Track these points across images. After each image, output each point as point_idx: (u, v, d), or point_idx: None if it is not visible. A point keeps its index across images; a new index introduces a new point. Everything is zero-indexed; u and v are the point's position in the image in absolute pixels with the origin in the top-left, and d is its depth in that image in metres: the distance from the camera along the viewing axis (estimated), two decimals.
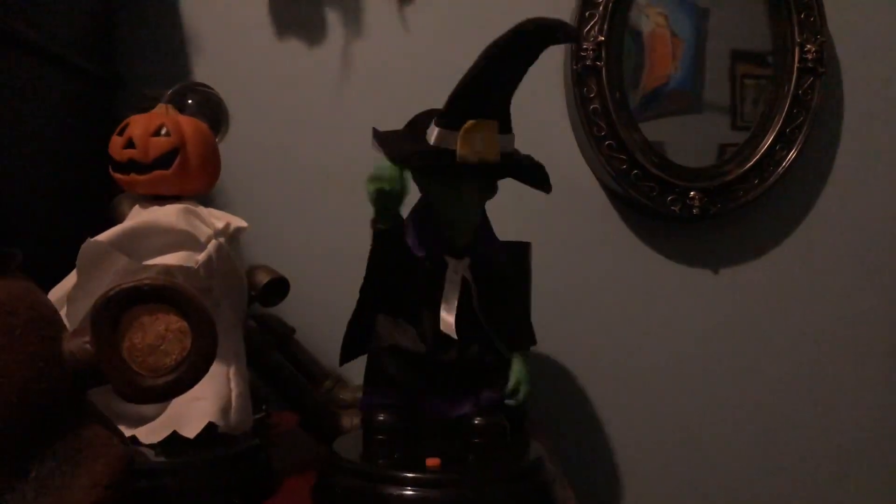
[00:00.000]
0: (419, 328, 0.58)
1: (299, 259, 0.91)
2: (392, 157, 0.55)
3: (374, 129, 0.58)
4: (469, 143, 0.53)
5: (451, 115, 0.53)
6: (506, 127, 0.55)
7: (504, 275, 0.59)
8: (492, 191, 0.59)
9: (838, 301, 0.98)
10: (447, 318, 0.56)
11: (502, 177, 0.59)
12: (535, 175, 0.58)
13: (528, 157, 0.58)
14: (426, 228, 0.57)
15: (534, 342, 0.61)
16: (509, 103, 0.55)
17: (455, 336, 0.56)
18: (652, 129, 0.93)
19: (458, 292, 0.57)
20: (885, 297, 0.99)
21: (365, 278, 0.60)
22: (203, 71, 0.94)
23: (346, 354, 0.62)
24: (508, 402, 0.58)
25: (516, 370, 0.59)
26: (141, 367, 0.40)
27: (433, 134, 0.53)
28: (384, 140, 0.57)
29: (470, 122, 0.52)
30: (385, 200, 0.55)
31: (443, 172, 0.56)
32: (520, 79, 0.54)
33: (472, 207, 0.57)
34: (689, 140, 0.95)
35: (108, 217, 0.66)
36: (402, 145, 0.56)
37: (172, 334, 0.40)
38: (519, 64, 0.53)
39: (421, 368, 0.58)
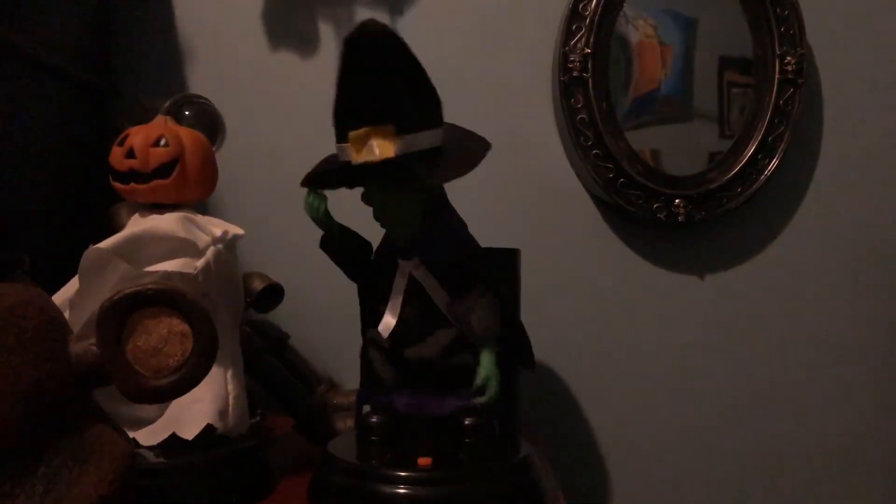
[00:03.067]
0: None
1: (293, 266, 0.93)
2: (302, 181, 0.60)
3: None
4: (361, 150, 0.55)
5: (339, 129, 0.56)
6: (410, 127, 0.54)
7: (457, 271, 0.59)
8: (409, 191, 0.58)
9: (821, 305, 1.00)
10: (387, 320, 0.59)
11: (403, 174, 0.57)
12: (419, 171, 0.56)
13: (466, 142, 0.59)
14: (385, 235, 0.62)
15: (496, 336, 0.59)
16: (407, 104, 0.55)
17: (385, 337, 0.58)
18: (644, 137, 0.95)
19: (401, 293, 0.59)
20: (867, 301, 1.01)
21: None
22: (198, 81, 0.95)
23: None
24: (477, 399, 0.57)
25: (484, 365, 0.57)
26: (144, 368, 0.42)
27: (337, 151, 0.57)
28: (309, 172, 0.61)
29: (355, 132, 0.55)
30: (319, 223, 0.61)
31: (349, 184, 0.59)
32: (400, 81, 0.54)
33: (393, 209, 0.59)
34: (680, 148, 0.97)
35: (108, 225, 0.68)
36: (313, 171, 0.60)
37: (175, 337, 0.42)
38: (373, 68, 0.53)
39: (392, 365, 0.60)
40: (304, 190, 0.56)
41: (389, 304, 0.59)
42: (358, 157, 0.55)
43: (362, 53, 0.53)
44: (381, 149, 0.54)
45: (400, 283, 0.59)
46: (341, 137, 0.56)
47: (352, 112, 0.55)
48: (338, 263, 0.63)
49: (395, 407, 0.59)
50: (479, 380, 0.57)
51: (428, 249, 0.59)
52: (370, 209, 0.60)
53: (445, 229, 0.61)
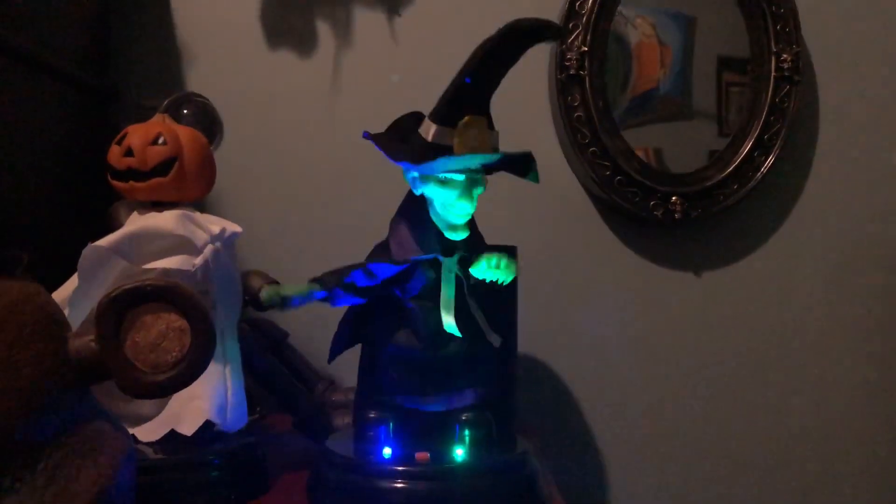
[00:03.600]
0: (414, 327, 0.59)
1: (292, 264, 0.93)
2: (395, 157, 0.57)
3: (365, 131, 0.60)
4: (464, 139, 0.56)
5: (447, 113, 0.56)
6: (491, 123, 0.57)
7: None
8: (483, 185, 0.61)
9: (816, 302, 1.01)
10: (449, 318, 0.58)
11: (495, 170, 0.60)
12: (524, 166, 0.60)
13: (518, 152, 0.61)
14: (419, 230, 0.59)
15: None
16: (489, 100, 0.58)
17: (458, 333, 0.58)
18: (643, 136, 0.96)
19: (454, 289, 0.59)
20: (862, 298, 1.01)
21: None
22: (197, 81, 0.96)
23: (334, 353, 0.64)
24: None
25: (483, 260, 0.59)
26: (143, 363, 0.42)
27: (430, 131, 0.56)
28: (380, 141, 0.59)
29: (466, 118, 0.55)
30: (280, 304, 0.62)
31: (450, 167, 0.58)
32: (503, 76, 0.57)
33: (467, 201, 0.59)
34: (681, 146, 0.97)
35: (106, 224, 0.68)
36: (398, 146, 0.58)
37: (173, 332, 0.42)
38: (506, 62, 0.56)
39: (414, 367, 0.60)
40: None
41: (443, 301, 0.58)
42: (462, 145, 0.56)
43: (508, 45, 0.55)
44: (480, 141, 0.56)
45: (449, 280, 0.59)
46: (448, 121, 0.56)
47: (467, 98, 0.56)
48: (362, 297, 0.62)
49: (403, 408, 0.60)
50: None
51: (473, 246, 0.60)
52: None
53: (476, 227, 0.63)
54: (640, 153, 0.95)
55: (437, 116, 0.57)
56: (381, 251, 0.61)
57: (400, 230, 0.60)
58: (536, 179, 0.61)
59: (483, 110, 0.57)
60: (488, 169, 0.60)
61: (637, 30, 0.96)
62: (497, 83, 0.57)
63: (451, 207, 0.59)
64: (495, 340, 0.61)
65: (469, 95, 0.56)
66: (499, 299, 0.63)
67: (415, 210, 0.60)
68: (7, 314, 0.39)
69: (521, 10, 0.97)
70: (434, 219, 0.60)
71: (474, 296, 0.60)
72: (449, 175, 0.58)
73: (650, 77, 0.97)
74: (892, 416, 1.02)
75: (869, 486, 1.01)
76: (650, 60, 0.97)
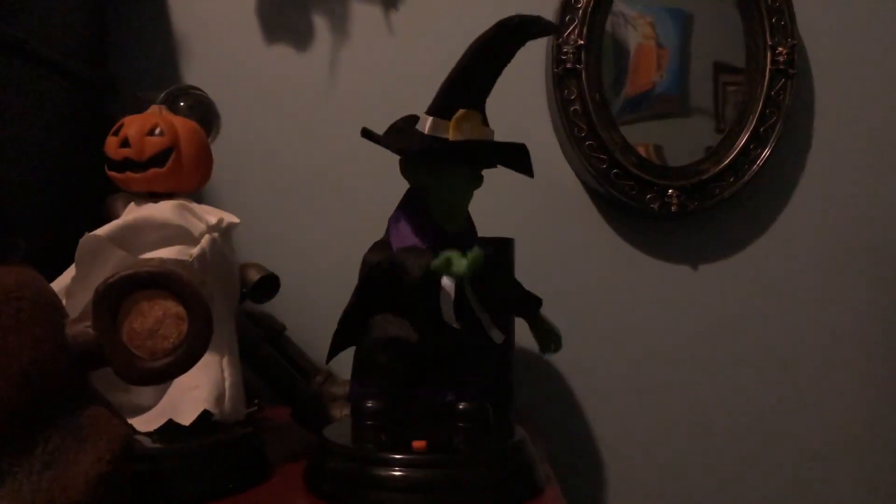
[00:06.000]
0: (413, 319, 0.59)
1: (289, 257, 0.93)
2: (396, 148, 0.58)
3: (364, 128, 0.60)
4: (460, 131, 0.56)
5: (442, 105, 0.57)
6: (485, 120, 0.58)
7: (492, 261, 0.60)
8: (479, 180, 0.61)
9: (813, 295, 1.01)
10: (448, 311, 0.58)
11: (491, 163, 0.61)
12: (519, 160, 0.60)
13: (511, 143, 0.61)
14: (416, 223, 0.60)
15: (539, 302, 0.66)
16: (486, 97, 0.58)
17: (457, 325, 0.57)
18: (642, 132, 0.96)
19: (453, 284, 0.58)
20: (859, 290, 1.01)
21: (357, 297, 0.62)
22: (193, 74, 0.96)
23: (334, 353, 0.64)
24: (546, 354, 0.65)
25: (541, 326, 0.66)
26: (140, 350, 0.42)
27: (426, 124, 0.57)
28: (380, 137, 0.59)
29: (461, 111, 0.56)
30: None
31: (438, 160, 0.59)
32: (499, 73, 0.58)
33: (464, 194, 0.60)
34: (678, 142, 0.98)
35: (103, 215, 0.68)
36: (396, 137, 0.59)
37: (170, 319, 0.43)
38: (501, 57, 0.57)
39: (412, 358, 0.60)
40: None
41: (443, 296, 0.57)
42: (457, 138, 0.56)
43: (503, 40, 0.56)
44: (475, 135, 0.57)
45: (448, 276, 0.58)
46: (443, 113, 0.57)
47: (462, 91, 0.57)
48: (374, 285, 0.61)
49: (401, 398, 0.60)
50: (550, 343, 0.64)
51: (471, 239, 0.61)
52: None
53: (470, 220, 0.64)
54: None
55: (433, 109, 0.57)
56: (381, 248, 0.61)
57: (400, 226, 0.60)
58: (531, 173, 0.61)
59: (478, 106, 0.58)
60: (484, 164, 0.61)
61: (637, 31, 0.97)
62: (492, 79, 0.58)
63: (449, 198, 0.59)
64: (497, 337, 0.61)
65: (464, 90, 0.57)
66: (495, 290, 0.63)
67: (414, 205, 0.61)
68: (4, 299, 0.39)
69: (518, 4, 0.98)
70: (434, 212, 0.60)
71: (477, 291, 0.60)
72: (446, 166, 0.59)
73: (646, 80, 0.97)
74: (890, 408, 1.02)
75: (866, 475, 1.02)
76: (647, 64, 0.97)
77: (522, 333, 0.86)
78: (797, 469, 1.01)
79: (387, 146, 0.58)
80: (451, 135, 0.56)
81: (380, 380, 0.60)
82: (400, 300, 0.59)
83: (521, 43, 0.57)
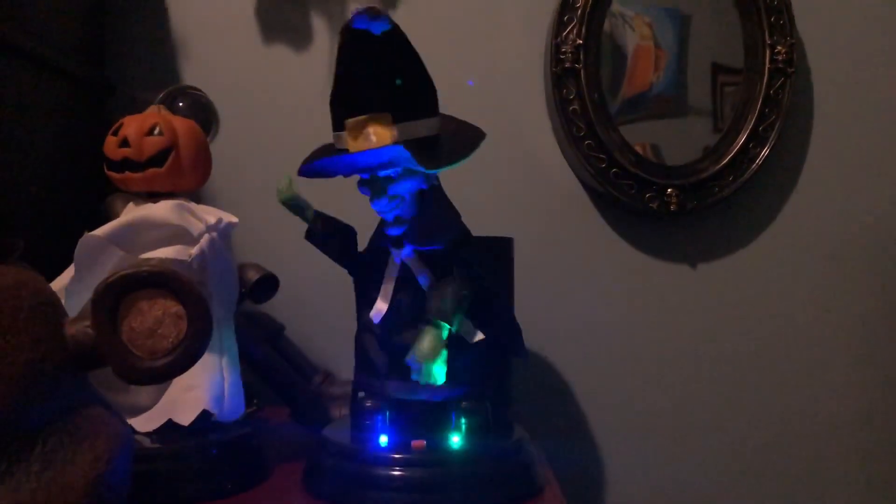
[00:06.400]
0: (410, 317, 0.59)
1: (288, 257, 0.93)
2: (299, 171, 0.61)
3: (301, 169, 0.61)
4: (358, 138, 0.55)
5: (336, 117, 0.57)
6: (406, 115, 0.55)
7: (446, 260, 0.60)
8: (401, 183, 0.59)
9: (811, 294, 1.01)
10: (379, 305, 0.59)
11: (393, 164, 0.59)
12: (435, 151, 0.57)
13: (457, 133, 0.60)
14: (379, 224, 0.62)
15: (446, 318, 0.57)
16: (404, 93, 0.56)
17: (376, 322, 0.59)
18: (640, 131, 0.96)
19: (393, 280, 0.60)
20: (857, 290, 1.01)
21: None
22: (192, 75, 0.96)
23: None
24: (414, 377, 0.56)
25: (421, 340, 0.56)
26: (139, 349, 0.42)
27: (334, 139, 0.58)
28: (304, 161, 0.62)
29: (353, 119, 0.55)
30: (290, 207, 0.63)
31: (347, 171, 0.60)
32: (396, 69, 0.55)
33: (380, 198, 0.59)
34: (677, 142, 0.97)
35: (102, 215, 0.68)
36: (308, 159, 0.61)
37: (169, 318, 0.42)
38: (371, 57, 0.54)
39: (385, 351, 0.60)
40: (302, 178, 0.56)
41: (381, 290, 0.60)
42: (355, 146, 0.55)
43: (361, 41, 0.54)
44: (378, 136, 0.55)
45: (392, 270, 0.60)
46: (338, 126, 0.57)
47: (349, 100, 0.56)
48: (325, 252, 0.64)
49: (389, 391, 0.60)
50: (408, 357, 0.56)
51: (419, 237, 0.60)
52: (364, 200, 0.60)
53: (436, 218, 0.61)
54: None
55: (332, 124, 0.58)
56: None
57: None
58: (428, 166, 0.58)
59: (384, 106, 0.55)
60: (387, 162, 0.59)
61: (635, 32, 0.97)
62: (376, 78, 0.55)
63: (373, 206, 0.60)
64: (470, 337, 0.60)
65: (350, 96, 0.56)
66: (493, 290, 0.63)
67: None
68: (3, 299, 0.39)
69: (513, 2, 0.98)
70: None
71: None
72: (359, 175, 0.60)
73: (644, 81, 0.97)
74: (886, 408, 1.02)
75: (861, 475, 1.02)
76: (645, 65, 0.97)
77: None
78: (796, 469, 1.01)
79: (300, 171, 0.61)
80: (348, 143, 0.56)
81: (379, 379, 0.61)
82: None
83: (373, 36, 0.54)
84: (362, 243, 0.65)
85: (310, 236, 0.64)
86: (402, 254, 0.60)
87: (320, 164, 0.60)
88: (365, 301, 0.62)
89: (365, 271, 0.63)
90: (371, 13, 0.54)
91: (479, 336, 0.60)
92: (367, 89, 0.55)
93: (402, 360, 0.58)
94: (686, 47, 0.97)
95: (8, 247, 0.42)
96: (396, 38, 0.55)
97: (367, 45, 0.54)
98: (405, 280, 0.59)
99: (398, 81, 0.55)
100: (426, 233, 0.60)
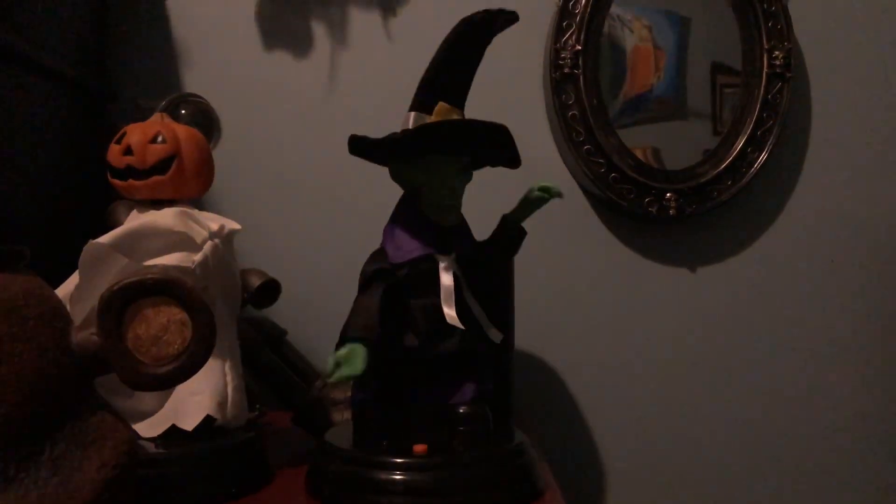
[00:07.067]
0: (413, 324, 0.60)
1: (290, 262, 0.94)
2: (379, 145, 0.59)
3: (351, 140, 0.61)
4: (441, 119, 0.58)
5: (423, 99, 0.58)
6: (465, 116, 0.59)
7: (490, 266, 0.63)
8: (468, 173, 0.63)
9: (811, 297, 1.02)
10: (450, 312, 0.59)
11: (475, 146, 0.61)
12: (502, 144, 0.61)
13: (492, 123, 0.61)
14: (411, 225, 0.61)
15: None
16: (467, 94, 0.60)
17: (462, 327, 0.58)
18: (640, 135, 0.97)
19: (453, 286, 0.60)
20: (856, 293, 1.02)
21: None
22: (194, 82, 0.96)
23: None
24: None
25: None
26: (145, 356, 0.43)
27: (409, 119, 0.59)
28: (364, 141, 0.61)
29: (442, 104, 0.57)
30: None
31: (424, 151, 0.60)
32: (473, 70, 0.60)
33: (454, 185, 0.61)
34: (676, 145, 0.98)
35: (106, 222, 0.69)
36: (379, 142, 0.60)
37: (174, 325, 0.43)
38: (472, 53, 0.58)
39: (413, 361, 0.60)
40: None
41: (444, 298, 0.59)
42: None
43: (478, 37, 0.58)
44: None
45: (448, 276, 0.60)
46: (425, 107, 0.59)
47: (442, 87, 0.58)
48: None
49: (402, 402, 0.61)
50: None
51: (464, 241, 0.62)
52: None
53: (466, 224, 0.64)
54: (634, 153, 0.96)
55: (414, 106, 0.59)
56: (378, 258, 0.61)
57: (396, 233, 0.61)
58: (518, 162, 0.63)
59: (457, 103, 0.59)
60: (468, 147, 0.61)
61: (633, 34, 0.97)
62: (467, 76, 0.60)
63: (440, 191, 0.60)
64: (495, 336, 0.62)
65: (441, 86, 0.58)
66: (494, 294, 0.64)
67: (406, 209, 0.62)
68: (10, 306, 0.40)
69: (513, 8, 0.98)
70: (427, 209, 0.61)
71: (472, 292, 0.62)
72: (433, 158, 0.60)
73: (644, 82, 0.98)
74: (887, 411, 1.02)
75: (862, 479, 1.02)
76: (645, 66, 0.98)
77: (522, 336, 0.87)
78: (797, 471, 1.01)
79: (377, 146, 0.59)
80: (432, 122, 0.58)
81: (382, 384, 0.61)
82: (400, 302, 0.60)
83: (489, 36, 0.59)
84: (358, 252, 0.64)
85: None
86: (449, 260, 0.60)
87: (402, 136, 0.58)
88: (390, 310, 0.60)
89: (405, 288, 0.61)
90: (502, 14, 0.58)
91: (499, 336, 0.62)
92: (458, 82, 0.59)
93: (438, 366, 0.60)
94: (685, 49, 0.98)
95: (15, 255, 0.43)
96: (488, 41, 0.59)
97: (480, 41, 0.58)
98: (458, 286, 0.60)
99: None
100: (468, 236, 0.63)
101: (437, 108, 0.58)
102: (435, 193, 0.61)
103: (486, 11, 0.57)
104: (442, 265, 0.60)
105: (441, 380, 0.61)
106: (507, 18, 0.59)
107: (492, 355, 0.63)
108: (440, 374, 0.61)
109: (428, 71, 0.59)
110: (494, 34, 0.59)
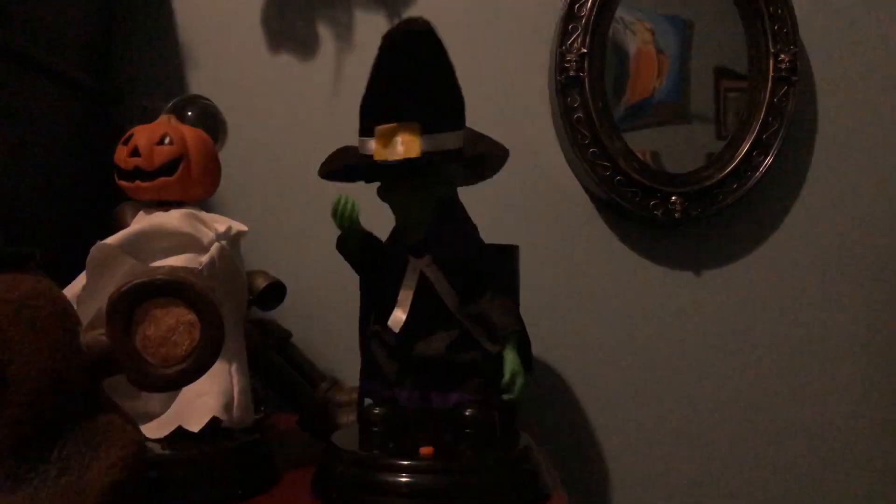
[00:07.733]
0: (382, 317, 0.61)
1: (295, 264, 0.94)
2: (319, 173, 0.62)
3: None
4: (387, 145, 0.56)
5: (364, 123, 0.58)
6: (435, 126, 0.56)
7: (466, 270, 0.61)
8: (429, 189, 0.61)
9: (816, 301, 1.01)
10: (397, 314, 0.59)
11: (428, 173, 0.60)
12: (474, 166, 0.61)
13: (485, 147, 0.61)
14: (394, 231, 0.63)
15: (519, 332, 0.60)
16: (434, 104, 0.56)
17: (396, 332, 0.59)
18: (643, 139, 0.97)
19: (412, 289, 0.60)
20: (861, 296, 1.02)
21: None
22: (200, 84, 0.97)
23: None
24: (506, 396, 0.59)
25: (509, 361, 0.59)
26: (153, 357, 0.43)
27: (360, 144, 0.59)
28: (325, 162, 0.63)
29: (383, 126, 0.56)
30: (345, 230, 0.62)
31: (377, 178, 0.61)
32: (431, 80, 0.56)
33: (411, 206, 0.61)
34: (679, 149, 0.98)
35: (113, 224, 0.69)
36: (330, 162, 0.62)
37: (183, 326, 0.43)
38: (409, 66, 0.55)
39: (418, 363, 0.60)
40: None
41: (400, 299, 0.60)
42: (382, 154, 0.56)
43: (401, 49, 0.55)
44: (406, 146, 0.56)
45: (411, 279, 0.60)
46: (366, 131, 0.58)
47: (380, 106, 0.57)
48: (352, 264, 0.65)
49: (398, 399, 0.61)
50: (505, 378, 0.59)
51: (440, 247, 0.61)
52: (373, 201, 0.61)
53: (457, 228, 0.63)
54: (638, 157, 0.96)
55: (359, 127, 0.58)
56: None
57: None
58: (488, 176, 0.64)
59: (415, 116, 0.56)
60: (422, 171, 0.60)
61: (636, 36, 0.97)
62: (420, 86, 0.56)
63: (396, 213, 0.62)
64: (491, 348, 0.61)
65: (382, 103, 0.56)
66: (488, 291, 0.63)
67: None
68: (20, 308, 0.40)
69: (518, 11, 0.99)
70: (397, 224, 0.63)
71: (470, 303, 0.61)
72: (387, 183, 0.61)
73: (646, 87, 0.98)
74: (890, 415, 1.02)
75: (865, 482, 1.02)
76: (647, 70, 0.98)
77: None
78: (801, 473, 1.01)
79: (319, 172, 0.62)
80: (375, 150, 0.57)
81: (387, 385, 0.61)
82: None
83: (414, 45, 0.55)
84: None
85: (342, 248, 0.64)
86: (422, 264, 0.60)
87: (344, 169, 0.60)
88: (374, 308, 0.63)
89: (377, 278, 0.63)
90: (415, 22, 0.54)
91: (494, 348, 0.61)
92: (401, 97, 0.56)
93: (416, 368, 0.60)
94: (688, 53, 0.98)
95: (25, 256, 0.43)
96: (434, 48, 0.55)
97: (405, 52, 0.55)
98: (422, 290, 0.60)
99: (428, 90, 0.56)
100: (448, 242, 0.61)
101: (378, 130, 0.56)
102: (396, 213, 0.62)
103: (403, 20, 0.55)
104: (410, 266, 0.61)
105: (446, 380, 0.61)
106: (421, 29, 0.55)
107: (497, 360, 0.61)
108: (445, 375, 0.60)
109: (365, 93, 0.57)
110: (418, 41, 0.55)
